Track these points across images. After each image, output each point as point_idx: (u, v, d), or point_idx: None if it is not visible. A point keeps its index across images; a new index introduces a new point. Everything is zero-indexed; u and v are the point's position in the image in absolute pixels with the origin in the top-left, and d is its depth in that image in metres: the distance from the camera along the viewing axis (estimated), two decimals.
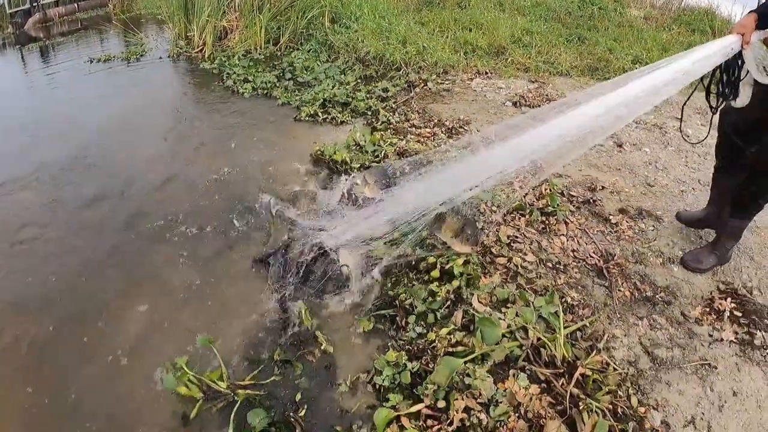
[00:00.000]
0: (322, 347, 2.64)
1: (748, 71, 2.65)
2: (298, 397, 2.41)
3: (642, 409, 2.38)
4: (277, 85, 5.89)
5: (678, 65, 2.59)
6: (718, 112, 2.98)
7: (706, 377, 2.64)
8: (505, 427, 2.17)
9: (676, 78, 2.58)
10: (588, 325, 2.75)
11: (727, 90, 2.74)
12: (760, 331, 2.92)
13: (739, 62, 2.64)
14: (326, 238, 3.12)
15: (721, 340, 2.85)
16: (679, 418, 2.43)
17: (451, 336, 2.53)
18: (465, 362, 2.38)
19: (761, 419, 2.48)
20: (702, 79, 2.76)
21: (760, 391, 2.61)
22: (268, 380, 2.47)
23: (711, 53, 2.59)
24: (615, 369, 2.51)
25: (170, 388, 2.35)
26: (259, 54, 6.88)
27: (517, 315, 2.65)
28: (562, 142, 2.68)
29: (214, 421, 2.31)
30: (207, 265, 3.22)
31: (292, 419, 2.30)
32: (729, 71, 2.70)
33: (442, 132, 4.76)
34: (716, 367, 2.69)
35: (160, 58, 6.95)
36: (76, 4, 9.67)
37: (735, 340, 2.85)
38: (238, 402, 2.34)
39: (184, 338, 2.67)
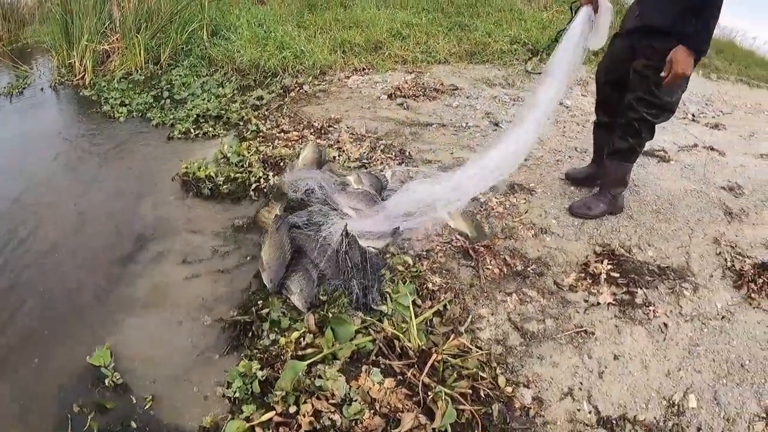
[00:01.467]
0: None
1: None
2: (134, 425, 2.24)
3: (509, 389, 2.31)
4: (154, 105, 5.67)
5: (571, 41, 3.29)
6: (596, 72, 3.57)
7: (582, 345, 2.59)
8: (360, 425, 2.07)
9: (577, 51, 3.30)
10: (447, 307, 2.67)
11: None
12: (641, 288, 2.93)
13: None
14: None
15: (598, 304, 2.83)
16: (554, 391, 2.37)
17: (302, 339, 2.41)
18: (314, 364, 2.28)
19: (648, 379, 2.45)
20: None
21: (644, 351, 2.59)
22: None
23: (582, 22, 3.26)
24: (478, 350, 2.43)
25: None
26: (140, 75, 6.63)
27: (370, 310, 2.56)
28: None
29: None
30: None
31: None
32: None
33: (310, 134, 4.68)
34: (593, 333, 2.65)
35: (42, 89, 6.56)
36: None
37: (613, 302, 2.83)
38: None
39: None
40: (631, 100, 3.16)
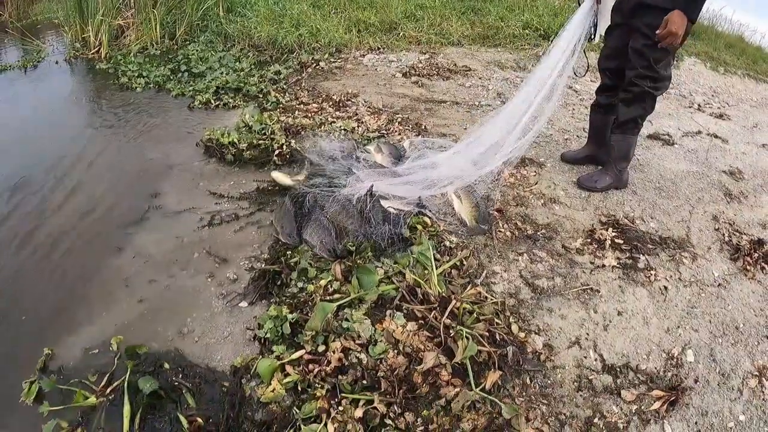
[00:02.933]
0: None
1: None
2: (167, 366, 2.36)
3: (522, 335, 2.48)
4: (171, 78, 5.78)
5: (571, 32, 3.58)
6: (598, 60, 3.79)
7: (588, 301, 2.77)
8: (385, 363, 2.22)
9: (573, 40, 3.58)
10: (464, 261, 2.84)
11: (590, 33, 3.62)
12: (643, 255, 3.10)
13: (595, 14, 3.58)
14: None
15: (603, 266, 3.00)
16: (563, 340, 2.54)
17: (329, 285, 2.57)
18: (342, 308, 2.44)
19: (649, 334, 2.63)
20: None
21: (646, 309, 2.77)
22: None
23: (585, 15, 3.56)
24: (492, 299, 2.60)
25: None
26: (156, 49, 6.72)
27: (395, 262, 2.73)
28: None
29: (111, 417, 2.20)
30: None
31: (177, 383, 2.28)
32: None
33: (329, 106, 4.84)
34: (599, 291, 2.83)
35: (57, 62, 6.62)
36: None
37: (617, 265, 3.01)
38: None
39: None
40: (632, 77, 3.38)
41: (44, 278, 2.92)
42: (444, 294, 2.52)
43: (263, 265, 2.88)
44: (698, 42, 8.61)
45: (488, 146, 3.67)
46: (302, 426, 2.04)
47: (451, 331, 2.32)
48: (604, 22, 3.56)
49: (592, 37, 3.63)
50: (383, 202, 3.11)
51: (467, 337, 2.28)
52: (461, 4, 7.85)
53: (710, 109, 6.08)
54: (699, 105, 6.16)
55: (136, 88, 5.55)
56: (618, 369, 2.44)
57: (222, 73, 5.71)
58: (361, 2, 7.65)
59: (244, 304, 2.69)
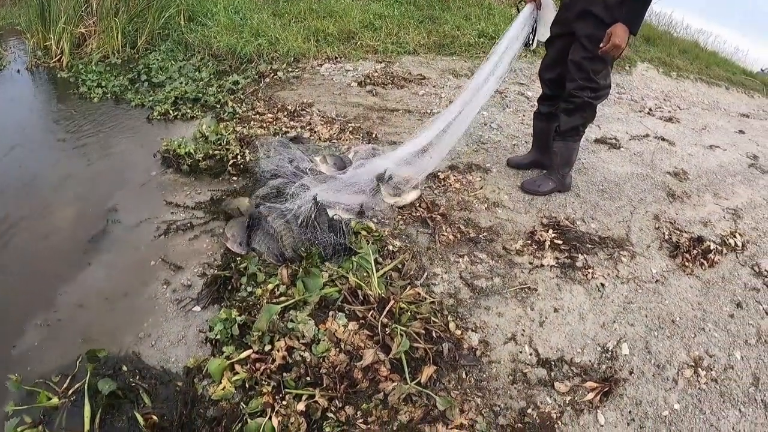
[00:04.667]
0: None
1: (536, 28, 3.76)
2: (125, 368, 2.46)
3: (459, 332, 2.63)
4: (130, 88, 5.81)
5: (509, 37, 3.71)
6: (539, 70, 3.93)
7: (526, 299, 2.93)
8: (327, 360, 2.36)
9: (512, 45, 3.73)
10: (404, 263, 2.99)
11: (529, 39, 3.76)
12: (581, 254, 3.27)
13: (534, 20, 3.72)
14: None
15: (542, 266, 3.16)
16: (499, 336, 2.70)
17: (276, 289, 2.70)
18: (287, 309, 2.57)
19: (584, 329, 2.79)
20: None
21: (582, 306, 2.93)
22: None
23: (523, 20, 3.69)
24: (430, 299, 2.76)
25: None
26: (117, 58, 6.68)
27: (338, 266, 2.87)
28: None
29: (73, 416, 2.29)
30: None
31: (134, 384, 2.39)
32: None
33: (284, 116, 4.95)
34: (536, 289, 2.99)
35: (18, 71, 6.56)
36: None
37: (555, 265, 3.17)
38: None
39: None
40: (571, 89, 3.53)
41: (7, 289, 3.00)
42: (384, 295, 2.66)
43: (215, 271, 3.00)
44: (652, 48, 8.87)
45: (420, 149, 3.86)
46: (249, 420, 2.17)
47: (387, 329, 2.46)
48: (544, 29, 3.70)
49: (530, 42, 3.78)
50: (329, 211, 3.24)
51: (402, 334, 2.42)
52: (419, 13, 7.99)
53: (660, 113, 6.31)
54: (650, 109, 6.39)
55: (93, 98, 5.57)
56: (552, 362, 2.59)
57: (181, 83, 5.76)
58: (321, 12, 7.75)
59: (197, 308, 2.80)
